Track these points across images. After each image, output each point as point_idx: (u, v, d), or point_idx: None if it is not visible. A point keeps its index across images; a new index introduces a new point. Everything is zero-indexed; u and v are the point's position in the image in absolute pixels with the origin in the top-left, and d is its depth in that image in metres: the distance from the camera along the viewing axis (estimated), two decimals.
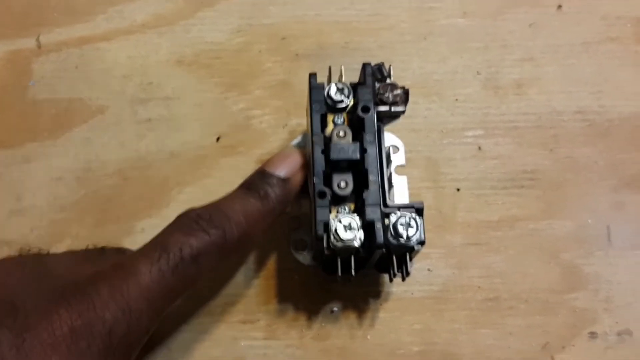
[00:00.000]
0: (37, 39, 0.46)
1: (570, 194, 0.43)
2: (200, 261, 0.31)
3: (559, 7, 0.47)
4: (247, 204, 0.34)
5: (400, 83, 0.37)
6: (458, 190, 0.43)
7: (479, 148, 0.44)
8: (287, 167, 0.35)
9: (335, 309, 0.40)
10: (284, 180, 0.35)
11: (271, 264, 0.41)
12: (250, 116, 0.44)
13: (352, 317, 0.40)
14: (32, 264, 0.33)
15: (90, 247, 0.39)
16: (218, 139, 0.44)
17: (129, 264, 0.29)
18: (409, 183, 0.41)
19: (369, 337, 0.40)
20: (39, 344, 0.25)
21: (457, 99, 0.45)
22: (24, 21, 0.46)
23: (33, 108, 0.44)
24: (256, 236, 0.34)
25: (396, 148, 0.43)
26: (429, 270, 0.41)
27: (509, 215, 0.42)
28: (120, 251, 0.37)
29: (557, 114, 0.45)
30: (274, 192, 0.34)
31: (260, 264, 0.41)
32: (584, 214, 0.42)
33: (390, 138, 0.43)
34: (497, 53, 0.46)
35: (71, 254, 0.35)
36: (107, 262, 0.31)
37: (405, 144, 0.43)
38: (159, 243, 0.31)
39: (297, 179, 0.36)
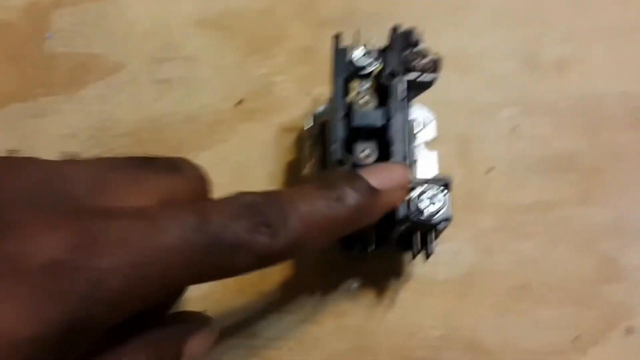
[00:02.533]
0: None
1: (608, 181, 0.40)
2: (238, 256, 0.24)
3: None
4: (314, 205, 0.26)
5: (433, 53, 0.34)
6: (490, 170, 0.40)
7: (514, 128, 0.41)
8: (384, 178, 0.29)
9: (354, 285, 0.38)
10: (373, 190, 0.28)
11: None
12: (271, 82, 0.42)
13: (371, 295, 0.38)
14: (50, 167, 0.24)
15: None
16: (237, 103, 0.42)
17: (159, 214, 0.23)
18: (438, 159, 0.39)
19: (387, 317, 0.37)
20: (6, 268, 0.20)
21: (494, 75, 0.42)
22: None
23: (49, 61, 0.42)
24: (315, 247, 0.26)
25: (427, 120, 0.40)
26: (455, 252, 0.38)
27: (543, 200, 0.39)
28: (177, 166, 0.27)
29: (599, 98, 0.42)
30: (354, 198, 0.27)
31: None
32: (622, 203, 0.39)
33: (420, 110, 0.40)
34: (538, 30, 0.43)
35: (107, 161, 0.25)
36: (145, 190, 0.24)
37: (436, 119, 0.40)
38: (203, 210, 0.23)
39: (393, 197, 0.29)
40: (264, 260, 0.24)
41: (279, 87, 0.42)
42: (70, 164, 0.24)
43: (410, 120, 0.36)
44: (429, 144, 0.39)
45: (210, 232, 0.23)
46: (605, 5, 0.44)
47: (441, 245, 0.38)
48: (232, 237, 0.23)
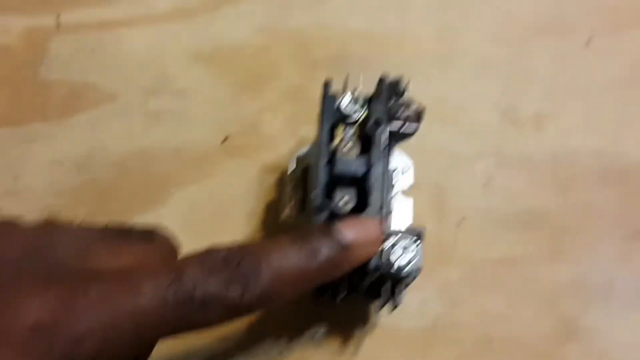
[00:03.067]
0: (57, 18, 0.45)
1: (576, 239, 0.41)
2: (210, 310, 0.25)
3: (589, 41, 0.46)
4: (288, 258, 0.27)
5: (416, 102, 0.36)
6: (462, 221, 0.41)
7: (489, 180, 0.42)
8: (358, 233, 0.30)
9: (319, 333, 0.39)
10: (346, 245, 0.29)
11: None
12: (260, 120, 0.44)
13: (335, 342, 0.39)
14: (34, 233, 0.27)
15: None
16: (225, 139, 0.43)
17: (134, 277, 0.25)
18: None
19: None
20: None
21: (472, 127, 0.44)
22: None
23: (44, 87, 0.44)
24: (286, 299, 0.27)
25: (406, 167, 0.42)
26: (421, 303, 0.40)
27: (510, 255, 0.41)
28: (149, 236, 0.29)
29: (573, 154, 0.43)
30: (327, 253, 0.28)
31: None
32: (588, 263, 0.41)
33: (400, 156, 0.42)
34: (518, 83, 0.45)
35: (87, 232, 0.28)
36: (122, 257, 0.26)
37: (414, 166, 0.42)
38: (176, 269, 0.25)
39: (365, 252, 0.30)
40: (235, 313, 0.25)
41: (267, 125, 0.43)
42: (57, 233, 0.26)
43: (390, 170, 0.37)
44: (406, 191, 0.41)
45: (183, 289, 0.24)
46: (584, 64, 0.45)
47: (408, 295, 0.39)
48: (205, 292, 0.24)
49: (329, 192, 0.33)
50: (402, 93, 0.35)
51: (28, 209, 0.41)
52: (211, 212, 0.41)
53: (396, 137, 0.37)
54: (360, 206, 0.33)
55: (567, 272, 0.41)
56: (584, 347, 0.39)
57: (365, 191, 0.33)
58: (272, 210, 0.41)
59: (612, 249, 0.41)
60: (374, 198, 0.32)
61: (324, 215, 0.32)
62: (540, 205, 0.42)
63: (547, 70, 0.45)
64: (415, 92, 0.43)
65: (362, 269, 0.32)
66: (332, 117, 0.34)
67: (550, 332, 0.39)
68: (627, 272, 0.41)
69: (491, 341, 0.39)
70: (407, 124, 0.35)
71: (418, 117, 0.35)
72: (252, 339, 0.39)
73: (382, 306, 0.35)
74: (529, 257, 0.41)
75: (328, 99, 0.34)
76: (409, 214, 0.39)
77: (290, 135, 0.43)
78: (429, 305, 0.40)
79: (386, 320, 0.39)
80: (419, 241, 0.32)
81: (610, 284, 0.40)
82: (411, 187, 0.40)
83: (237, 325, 0.39)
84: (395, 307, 0.35)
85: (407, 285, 0.34)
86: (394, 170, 0.38)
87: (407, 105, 0.35)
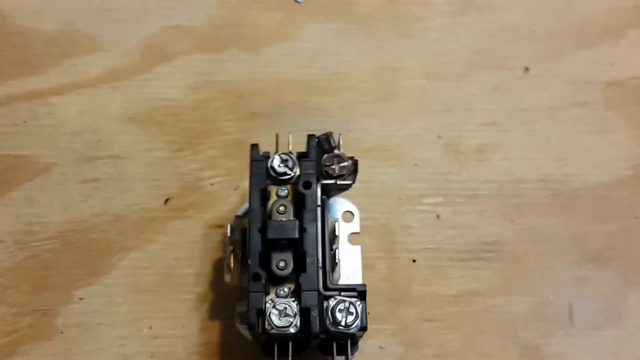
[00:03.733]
0: None
1: (531, 267, 0.41)
2: None
3: (526, 69, 0.46)
4: None
5: (359, 144, 0.35)
6: (414, 261, 0.41)
7: (438, 216, 0.42)
8: None
9: None
10: None
11: (214, 337, 0.39)
12: (201, 177, 0.43)
13: None
14: None
15: None
16: (166, 201, 0.42)
17: None
18: (362, 253, 0.40)
19: None
20: None
21: (416, 164, 0.43)
22: None
23: None
24: None
25: (351, 214, 0.41)
26: (380, 348, 0.39)
27: (466, 290, 0.40)
28: None
29: (520, 182, 0.43)
30: None
31: (202, 338, 0.39)
32: (545, 290, 0.41)
33: (345, 204, 0.41)
34: (459, 116, 0.45)
35: None
36: None
37: (361, 210, 0.41)
38: None
39: None
40: None
41: (208, 182, 0.43)
42: None
43: (331, 222, 0.36)
44: (353, 239, 0.40)
45: None
46: (523, 92, 0.45)
47: (367, 341, 0.39)
48: None
49: (266, 257, 0.33)
50: (334, 147, 0.35)
51: None
52: (157, 277, 0.40)
53: (334, 190, 0.36)
54: (300, 267, 0.32)
55: (524, 302, 0.40)
56: None
57: (302, 253, 0.32)
58: (219, 269, 0.40)
59: (567, 273, 0.41)
60: (310, 260, 0.32)
61: (261, 284, 0.31)
62: (490, 238, 0.42)
63: (486, 101, 0.45)
64: (356, 136, 0.43)
65: (307, 333, 0.31)
66: (262, 181, 0.34)
67: None
68: (585, 295, 0.40)
69: None
70: (340, 179, 0.34)
71: (352, 170, 0.35)
72: None
73: None
74: (485, 291, 0.40)
75: (255, 164, 0.34)
76: (358, 262, 0.39)
77: (232, 190, 0.43)
78: (389, 349, 0.39)
79: None
80: (360, 300, 0.32)
81: (569, 308, 0.40)
82: (360, 233, 0.40)
83: None
84: None
85: (355, 342, 0.33)
86: (335, 221, 0.37)
87: (340, 159, 0.35)
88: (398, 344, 0.39)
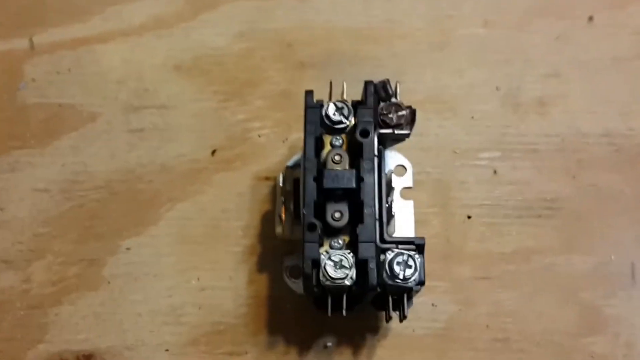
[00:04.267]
0: (30, 40, 0.43)
1: (592, 226, 0.39)
2: None
3: (590, 18, 0.43)
4: None
5: (413, 96, 0.34)
6: (469, 217, 0.39)
7: (495, 172, 0.40)
8: None
9: (329, 344, 0.37)
10: None
11: (262, 290, 0.38)
12: (248, 128, 0.42)
13: (347, 353, 0.37)
14: None
15: None
16: (213, 152, 0.41)
17: None
18: (415, 208, 0.38)
19: None
20: None
21: (473, 117, 0.41)
22: (18, 20, 0.44)
23: (22, 113, 0.42)
24: None
25: (403, 168, 0.40)
26: (433, 305, 0.38)
27: (524, 248, 0.39)
28: None
29: (582, 137, 0.41)
30: None
31: (250, 290, 0.38)
32: (606, 249, 0.39)
33: (396, 157, 0.40)
34: (519, 67, 0.42)
35: None
36: None
37: (414, 165, 0.40)
38: None
39: None
40: None
41: (255, 133, 0.42)
42: None
43: (386, 174, 0.35)
44: (405, 193, 0.39)
45: None
46: (586, 42, 0.43)
47: (419, 299, 0.37)
48: None
49: (320, 207, 0.31)
50: (391, 96, 0.33)
51: (16, 240, 0.39)
52: (205, 228, 0.39)
53: (389, 141, 0.35)
54: (356, 219, 0.31)
55: (584, 262, 0.39)
56: (610, 340, 0.37)
57: (359, 204, 0.31)
58: (267, 222, 0.39)
59: (630, 233, 0.39)
60: (368, 212, 0.30)
61: (316, 234, 0.30)
62: (550, 194, 0.40)
63: (548, 51, 0.43)
64: (410, 86, 0.41)
65: (363, 285, 0.30)
66: (317, 128, 0.32)
67: (571, 327, 0.37)
68: None
69: (508, 340, 0.37)
70: (398, 128, 0.33)
71: (410, 119, 0.33)
72: (259, 354, 0.37)
73: (388, 320, 0.33)
74: (543, 249, 0.39)
75: (310, 110, 0.32)
76: (411, 217, 0.37)
77: (280, 142, 0.41)
78: (442, 307, 0.38)
79: (398, 326, 0.37)
80: (418, 253, 0.30)
81: (632, 268, 0.38)
82: (412, 189, 0.39)
83: (243, 338, 0.37)
84: (402, 319, 0.33)
85: (411, 297, 0.32)
86: (390, 173, 0.36)
87: (397, 108, 0.33)
88: (451, 302, 0.38)
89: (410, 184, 0.39)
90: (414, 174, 0.39)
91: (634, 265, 0.38)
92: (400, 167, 0.40)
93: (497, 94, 0.42)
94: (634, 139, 0.41)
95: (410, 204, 0.38)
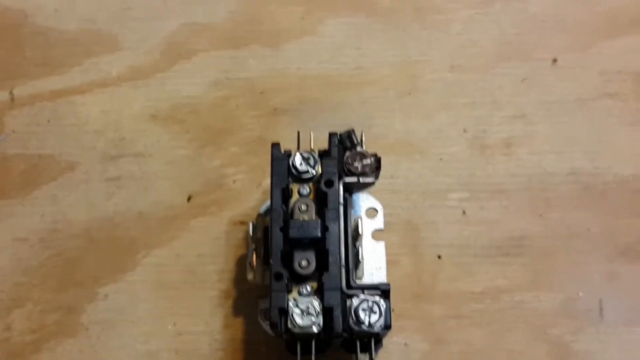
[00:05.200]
0: (11, 92, 0.45)
1: (560, 263, 0.40)
2: None
3: (554, 61, 0.45)
4: None
5: (382, 140, 0.35)
6: (439, 257, 0.40)
7: (464, 212, 0.41)
8: None
9: None
10: None
11: (238, 334, 0.39)
12: (224, 174, 0.43)
13: None
14: None
15: None
16: (189, 198, 0.42)
17: None
18: (387, 249, 0.39)
19: None
20: None
21: (441, 159, 0.43)
22: None
23: (3, 164, 0.43)
24: None
25: (374, 211, 0.41)
26: (405, 344, 0.38)
27: (493, 286, 0.40)
28: None
29: (549, 176, 0.42)
30: None
31: (226, 334, 0.39)
32: (574, 286, 0.40)
33: (368, 200, 0.41)
34: (486, 110, 0.44)
35: None
36: None
37: (385, 206, 0.41)
38: None
39: None
40: None
41: (231, 179, 0.43)
42: None
43: (355, 218, 0.36)
44: (376, 235, 0.40)
45: None
46: (551, 84, 0.44)
47: (391, 338, 0.38)
48: None
49: (288, 255, 0.32)
50: (356, 145, 0.34)
51: None
52: (181, 274, 0.40)
53: (357, 188, 0.36)
54: (322, 265, 0.32)
55: (553, 299, 0.39)
56: None
57: (325, 252, 0.32)
58: (242, 266, 0.40)
59: (597, 269, 0.40)
60: (332, 259, 0.31)
61: (283, 283, 0.31)
62: (519, 233, 0.41)
63: (514, 93, 0.44)
64: (379, 131, 0.43)
65: (329, 332, 0.31)
66: (283, 180, 0.33)
67: None
68: (616, 291, 0.39)
69: None
70: (363, 176, 0.34)
71: (375, 167, 0.34)
72: None
73: None
74: (511, 287, 0.40)
75: (277, 162, 0.33)
76: (382, 258, 0.38)
77: (254, 187, 0.42)
78: (413, 346, 0.38)
79: None
80: (384, 299, 0.31)
81: (600, 304, 0.39)
82: (383, 230, 0.40)
83: None
84: None
85: (379, 340, 0.33)
86: (358, 218, 0.37)
87: (362, 156, 0.34)
88: (423, 341, 0.39)
89: (381, 225, 0.40)
90: (384, 215, 0.41)
91: (601, 301, 0.39)
92: (372, 210, 0.41)
93: (465, 136, 0.43)
94: (600, 178, 0.42)
95: (382, 245, 0.40)
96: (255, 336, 0.38)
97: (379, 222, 0.41)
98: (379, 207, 0.41)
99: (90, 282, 0.40)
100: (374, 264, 0.39)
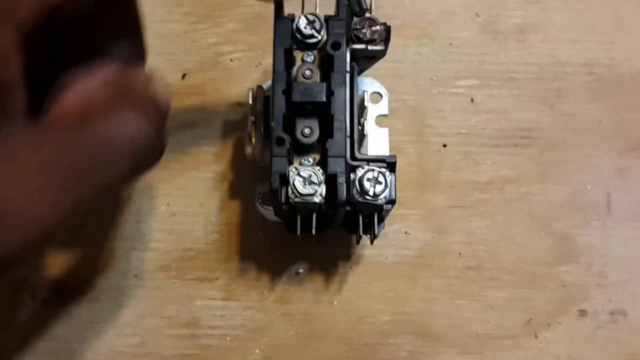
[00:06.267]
0: None
1: (569, 155, 0.39)
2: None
3: None
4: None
5: (390, 21, 0.32)
6: (444, 146, 0.39)
7: (472, 100, 0.39)
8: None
9: (301, 270, 0.37)
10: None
11: (234, 217, 0.37)
12: (220, 52, 0.40)
13: (318, 280, 0.37)
14: None
15: None
16: (184, 76, 0.40)
17: None
18: (390, 136, 0.38)
19: (335, 302, 0.36)
20: None
21: (451, 43, 0.40)
22: None
23: None
24: None
25: (379, 95, 0.39)
26: (405, 233, 0.37)
27: (499, 177, 0.38)
28: None
29: (562, 65, 0.40)
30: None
31: (221, 218, 0.37)
32: (582, 179, 0.38)
33: (372, 84, 0.39)
34: None
35: None
36: None
37: (390, 92, 0.39)
38: None
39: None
40: None
41: (227, 57, 0.40)
42: None
43: (361, 92, 0.34)
44: (380, 121, 0.38)
45: None
46: None
47: (392, 226, 0.37)
48: None
49: (290, 123, 0.30)
50: (365, 10, 0.32)
51: None
52: (174, 154, 0.38)
53: (363, 59, 0.33)
54: (326, 135, 0.30)
55: (559, 191, 0.38)
56: (582, 269, 0.37)
57: (329, 119, 0.30)
58: (240, 149, 0.38)
59: (607, 163, 0.39)
60: (338, 125, 0.29)
61: (284, 148, 0.29)
62: (528, 123, 0.39)
63: None
64: (387, 11, 0.40)
65: (332, 202, 0.30)
66: (287, 40, 0.31)
67: (544, 256, 0.37)
68: (624, 186, 0.38)
69: (480, 268, 0.37)
70: (371, 44, 0.32)
71: (385, 36, 0.32)
72: (229, 282, 0.37)
73: (359, 240, 0.33)
74: (518, 179, 0.38)
75: (280, 21, 0.31)
76: (385, 145, 0.37)
77: (253, 67, 0.40)
78: (414, 235, 0.37)
79: (371, 253, 0.37)
80: (390, 171, 0.30)
81: (608, 198, 0.38)
82: (387, 116, 0.38)
83: (214, 264, 0.37)
84: (372, 240, 0.32)
85: (382, 218, 0.32)
86: (364, 93, 0.35)
87: (371, 23, 0.32)
88: (424, 230, 0.37)
89: (385, 111, 0.39)
90: (389, 101, 0.39)
91: (609, 195, 0.38)
92: (376, 95, 0.39)
93: (477, 21, 0.41)
94: (614, 69, 0.40)
95: (385, 131, 0.38)
96: (251, 220, 0.37)
97: (383, 107, 0.39)
98: (383, 91, 0.39)
99: None
100: (377, 151, 0.37)
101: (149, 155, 0.24)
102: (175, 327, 0.36)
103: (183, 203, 0.38)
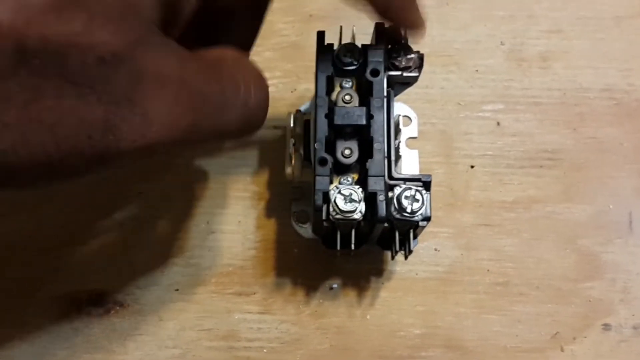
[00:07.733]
0: None
1: (591, 176, 0.40)
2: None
3: None
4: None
5: (419, 49, 0.34)
6: (472, 167, 0.40)
7: (498, 123, 0.41)
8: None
9: (334, 285, 0.38)
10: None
11: (270, 235, 0.39)
12: None
13: (351, 295, 0.38)
14: None
15: None
16: None
17: None
18: (420, 157, 0.39)
19: (368, 316, 0.38)
20: None
21: (477, 70, 0.42)
22: None
23: None
24: None
25: (408, 119, 0.41)
26: (435, 250, 0.39)
27: (525, 197, 0.40)
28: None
29: (583, 91, 0.42)
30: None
31: (258, 235, 0.39)
32: (605, 199, 0.40)
33: (402, 108, 0.41)
34: (523, 23, 0.43)
35: None
36: None
37: (419, 116, 0.41)
38: None
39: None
40: None
41: None
42: None
43: (395, 115, 0.36)
44: (410, 143, 0.40)
45: None
46: None
47: (422, 243, 0.38)
48: None
49: (331, 145, 0.32)
50: (401, 40, 0.34)
51: None
52: (216, 175, 0.40)
53: (397, 85, 0.35)
54: (365, 156, 0.32)
55: (584, 210, 0.40)
56: (607, 285, 0.38)
57: (368, 141, 0.32)
58: (276, 170, 0.40)
59: (628, 183, 0.40)
60: (378, 147, 0.31)
61: (327, 168, 0.31)
62: (551, 146, 0.41)
63: (551, 8, 0.43)
64: (415, 41, 0.42)
65: (371, 218, 0.31)
66: (328, 67, 0.33)
67: (569, 272, 0.38)
68: None
69: (508, 284, 0.38)
70: (407, 71, 0.33)
71: (419, 63, 0.34)
72: (266, 295, 0.38)
73: (394, 256, 0.35)
74: (543, 198, 0.40)
75: (323, 49, 0.33)
76: (416, 166, 0.39)
77: (289, 92, 0.42)
78: (444, 252, 0.39)
79: (402, 269, 0.38)
80: (425, 190, 0.31)
81: (629, 217, 0.39)
82: (417, 138, 0.40)
83: (251, 280, 0.38)
84: (407, 255, 0.34)
85: (417, 233, 0.33)
86: (398, 116, 0.37)
87: (407, 51, 0.34)
88: (453, 247, 0.39)
89: (415, 134, 0.40)
90: (419, 124, 0.41)
91: (631, 214, 0.39)
92: (406, 118, 0.41)
93: (501, 49, 0.43)
94: (633, 95, 0.42)
95: (415, 153, 0.40)
96: (287, 237, 0.39)
97: (412, 130, 0.41)
98: (413, 115, 0.41)
99: (125, 180, 0.40)
100: (408, 170, 0.39)
101: (254, 118, 0.27)
102: (214, 340, 0.37)
103: (222, 221, 0.39)
